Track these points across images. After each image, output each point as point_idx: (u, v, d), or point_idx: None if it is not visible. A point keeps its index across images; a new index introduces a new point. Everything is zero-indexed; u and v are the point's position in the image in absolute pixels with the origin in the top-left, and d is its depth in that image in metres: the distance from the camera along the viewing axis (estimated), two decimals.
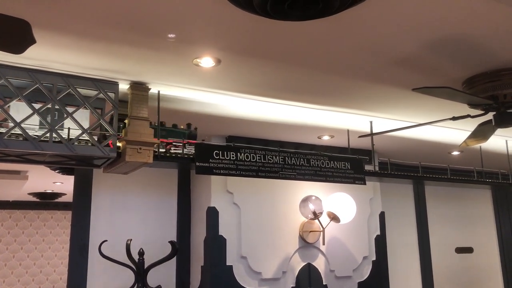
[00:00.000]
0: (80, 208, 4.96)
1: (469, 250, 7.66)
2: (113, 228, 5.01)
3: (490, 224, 8.08)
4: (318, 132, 5.72)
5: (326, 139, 5.83)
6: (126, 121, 3.98)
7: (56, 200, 10.06)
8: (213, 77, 3.95)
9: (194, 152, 4.38)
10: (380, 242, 5.93)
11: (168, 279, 5.20)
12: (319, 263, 5.45)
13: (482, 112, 4.15)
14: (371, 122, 5.23)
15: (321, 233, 5.31)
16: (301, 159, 4.93)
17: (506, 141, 6.44)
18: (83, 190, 5.00)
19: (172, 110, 4.53)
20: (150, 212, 5.27)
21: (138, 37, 3.20)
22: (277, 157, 4.78)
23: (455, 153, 6.92)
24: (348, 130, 5.53)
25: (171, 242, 4.77)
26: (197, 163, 4.23)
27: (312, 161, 5.00)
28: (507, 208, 8.18)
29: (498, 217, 8.08)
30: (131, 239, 4.58)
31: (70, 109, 3.75)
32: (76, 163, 4.25)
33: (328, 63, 3.74)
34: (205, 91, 4.25)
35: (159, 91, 4.21)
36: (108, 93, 3.89)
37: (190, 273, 5.31)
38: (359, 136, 5.17)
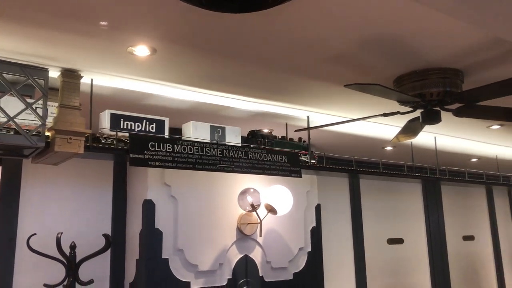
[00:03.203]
0: (7, 199, 4.70)
1: (399, 241, 8.00)
2: (43, 221, 4.80)
3: (420, 217, 8.47)
4: (257, 126, 5.76)
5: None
6: (55, 109, 3.81)
7: None
8: (149, 67, 3.86)
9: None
10: (316, 234, 6.06)
11: (101, 273, 5.04)
12: (256, 255, 5.49)
13: (411, 109, 4.33)
14: (308, 117, 5.32)
15: (259, 225, 5.35)
16: (239, 152, 4.93)
17: (435, 137, 6.77)
18: (11, 181, 4.74)
19: (106, 99, 4.40)
20: (83, 205, 5.08)
21: (68, 22, 3.06)
22: (215, 149, 4.75)
23: (388, 148, 7.20)
24: (286, 124, 5.60)
25: (104, 235, 4.63)
26: (131, 155, 4.12)
27: (250, 154, 5.02)
28: (435, 201, 8.61)
29: (427, 210, 8.50)
30: (61, 232, 4.40)
31: None
32: (3, 152, 4.03)
33: (265, 58, 3.76)
34: (141, 81, 4.16)
35: (92, 80, 4.06)
36: (37, 79, 3.71)
37: (124, 267, 5.18)
38: (296, 130, 5.26)
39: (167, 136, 4.58)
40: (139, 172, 5.06)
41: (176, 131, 5.11)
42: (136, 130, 4.56)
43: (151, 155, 4.25)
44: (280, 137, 5.73)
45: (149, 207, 4.86)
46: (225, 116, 5.28)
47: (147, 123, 4.64)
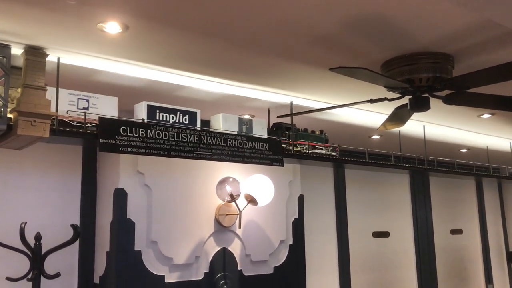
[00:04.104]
0: None
1: (385, 234, 8.09)
2: (5, 210, 4.70)
3: (407, 209, 8.57)
4: (238, 111, 5.72)
5: (246, 118, 5.84)
6: (18, 89, 3.71)
7: None
8: (121, 45, 3.77)
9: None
10: (298, 226, 6.07)
11: (69, 266, 4.99)
12: (235, 248, 5.48)
13: (399, 95, 4.33)
14: (291, 102, 5.30)
15: (238, 216, 5.33)
16: (218, 138, 4.89)
17: (424, 126, 6.82)
18: None
19: (74, 79, 4.30)
20: (49, 193, 4.99)
21: None
22: (192, 135, 4.70)
23: (375, 137, 7.23)
24: (268, 110, 5.57)
25: (72, 226, 4.56)
26: (101, 140, 4.03)
27: (230, 141, 4.98)
28: (423, 193, 8.71)
29: (414, 202, 8.59)
30: (25, 222, 4.31)
31: None
32: None
33: (246, 38, 3.70)
34: (112, 60, 4.06)
35: (58, 58, 3.96)
36: None
37: (94, 260, 5.13)
38: (278, 116, 5.23)
39: (141, 120, 4.51)
40: (110, 159, 4.98)
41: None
42: (170, 122, 4.76)
43: (122, 141, 4.18)
44: (302, 129, 6.03)
45: (120, 196, 4.80)
46: (203, 101, 5.22)
47: (181, 114, 4.85)
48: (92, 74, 4.35)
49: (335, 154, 6.28)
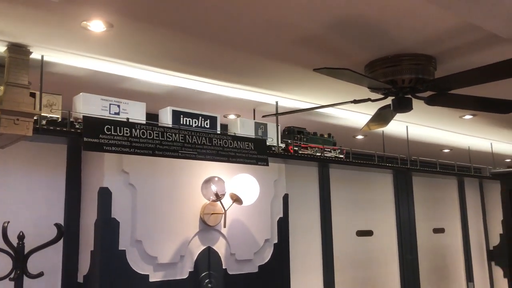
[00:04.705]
0: None
1: (369, 233, 8.15)
2: None
3: (390, 208, 8.64)
4: (223, 111, 5.71)
5: (232, 118, 5.84)
6: (1, 88, 3.66)
7: None
8: (105, 44, 3.75)
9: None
10: (283, 225, 6.09)
11: (53, 265, 4.94)
12: (220, 247, 5.48)
13: (382, 96, 4.37)
14: (276, 102, 5.31)
15: (223, 215, 5.33)
16: (203, 138, 4.88)
17: (407, 126, 6.88)
18: None
19: (58, 78, 4.26)
20: (33, 192, 4.94)
21: None
22: (177, 135, 4.68)
23: (359, 137, 7.29)
24: (254, 110, 5.57)
25: (56, 225, 4.52)
26: (85, 139, 4.00)
27: (215, 140, 4.97)
28: (406, 192, 8.79)
29: (397, 201, 8.67)
30: (8, 221, 4.26)
31: None
32: None
33: (231, 37, 3.71)
34: (96, 59, 4.04)
35: (42, 56, 3.92)
36: None
37: (78, 259, 5.08)
38: (263, 116, 5.24)
39: (125, 119, 4.48)
40: (94, 158, 4.94)
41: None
42: (194, 126, 4.97)
43: (106, 139, 4.15)
44: (312, 133, 6.34)
45: (105, 196, 4.76)
46: (189, 100, 5.21)
47: (202, 119, 5.06)
48: (76, 72, 4.31)
49: (342, 156, 6.62)
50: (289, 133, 6.09)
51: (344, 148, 6.65)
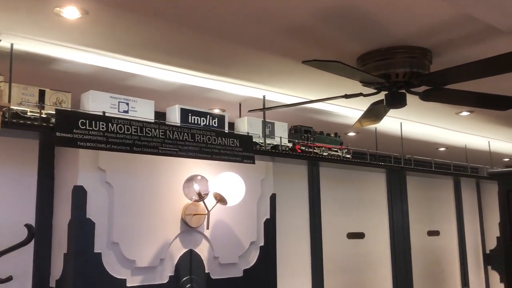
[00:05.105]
0: None
1: (360, 235, 8.17)
2: None
3: (383, 209, 8.66)
4: (208, 105, 5.68)
5: (217, 112, 5.81)
6: None
7: None
8: (80, 32, 3.69)
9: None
10: (270, 227, 6.07)
11: (23, 268, 4.86)
12: (202, 249, 5.44)
13: (375, 91, 4.36)
14: (264, 96, 5.29)
15: (206, 216, 5.29)
16: (185, 133, 4.83)
17: (401, 123, 6.90)
18: None
19: (29, 67, 4.20)
20: (2, 190, 4.86)
21: None
22: (157, 130, 4.63)
23: (351, 134, 7.30)
24: (240, 104, 5.55)
25: (27, 226, 4.45)
26: (58, 133, 3.93)
27: (198, 137, 4.93)
28: (399, 193, 8.82)
29: (390, 202, 8.69)
30: None
31: None
32: None
33: (215, 27, 3.67)
34: (70, 48, 3.98)
35: (12, 44, 3.86)
36: None
37: (50, 262, 5.02)
38: (249, 111, 5.22)
39: (101, 113, 4.43)
40: (68, 154, 4.88)
41: None
42: (202, 125, 5.09)
43: (81, 135, 4.09)
44: (319, 132, 6.48)
45: (79, 195, 4.70)
46: (167, 92, 5.17)
47: (210, 118, 5.22)
48: (48, 62, 4.25)
49: (349, 156, 6.75)
50: (295, 132, 6.16)
51: (351, 148, 6.78)
